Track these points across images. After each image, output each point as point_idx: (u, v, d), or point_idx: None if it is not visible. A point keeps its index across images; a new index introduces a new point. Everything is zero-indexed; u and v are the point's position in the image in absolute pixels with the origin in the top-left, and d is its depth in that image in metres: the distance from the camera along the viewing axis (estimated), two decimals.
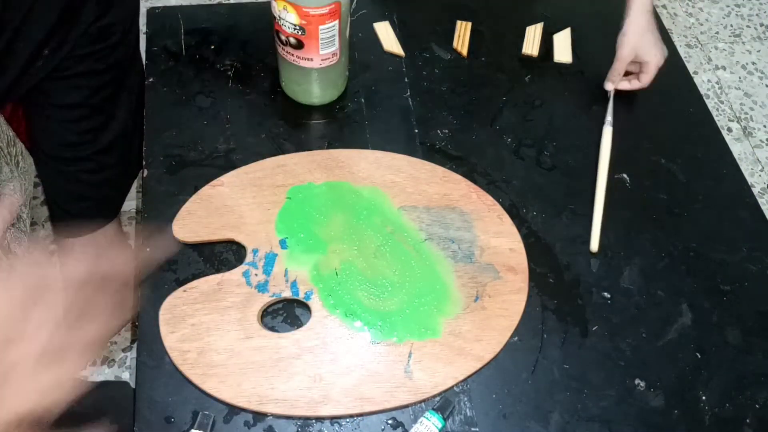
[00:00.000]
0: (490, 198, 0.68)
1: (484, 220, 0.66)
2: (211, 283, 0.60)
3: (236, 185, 0.66)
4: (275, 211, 0.65)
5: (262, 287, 0.60)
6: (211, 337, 0.57)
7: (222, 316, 0.58)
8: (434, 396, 0.56)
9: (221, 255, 0.63)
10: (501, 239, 0.65)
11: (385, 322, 0.59)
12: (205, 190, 0.66)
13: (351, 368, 0.56)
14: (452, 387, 0.57)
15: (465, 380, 0.58)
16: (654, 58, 0.77)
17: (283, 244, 0.63)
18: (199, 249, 0.63)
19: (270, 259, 0.62)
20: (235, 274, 0.61)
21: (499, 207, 0.68)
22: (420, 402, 0.56)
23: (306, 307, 0.60)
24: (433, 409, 0.55)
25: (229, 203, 0.65)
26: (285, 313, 0.60)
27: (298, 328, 0.59)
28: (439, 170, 0.70)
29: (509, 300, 0.62)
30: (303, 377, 0.55)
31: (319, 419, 0.55)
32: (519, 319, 0.61)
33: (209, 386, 0.54)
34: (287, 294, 0.60)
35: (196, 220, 0.64)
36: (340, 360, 0.57)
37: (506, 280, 0.63)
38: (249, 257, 0.62)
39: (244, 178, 0.67)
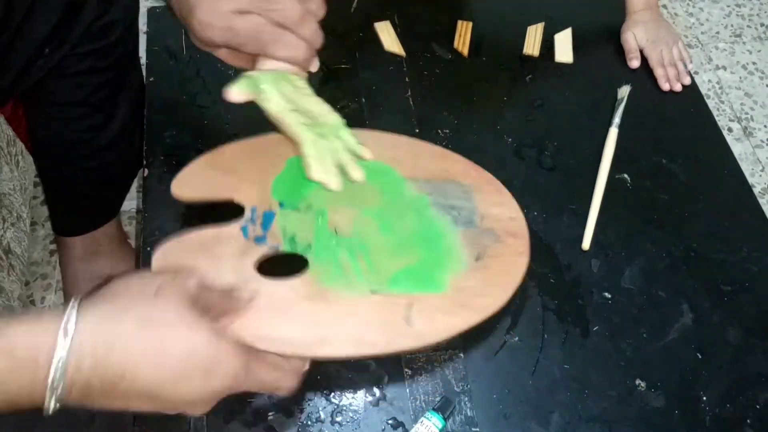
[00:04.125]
0: (488, 174, 0.68)
1: (484, 192, 0.67)
2: (207, 234, 0.59)
3: (238, 152, 0.66)
4: (275, 175, 0.65)
5: (259, 240, 0.59)
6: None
7: (216, 263, 0.57)
8: (434, 344, 0.56)
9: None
10: (501, 208, 0.65)
11: (387, 278, 0.58)
12: (205, 156, 0.65)
13: (348, 313, 0.56)
14: (454, 336, 0.56)
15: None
16: (654, 55, 0.84)
17: (282, 205, 0.62)
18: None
19: (268, 217, 0.61)
20: (234, 227, 0.60)
21: (497, 182, 0.68)
22: (420, 350, 0.56)
23: (305, 261, 0.59)
24: (433, 409, 0.55)
25: (231, 167, 0.64)
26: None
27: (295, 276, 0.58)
28: (438, 149, 0.71)
29: (511, 261, 0.61)
30: (301, 321, 0.55)
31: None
32: (521, 279, 0.60)
33: None
34: (285, 248, 0.59)
35: (198, 179, 0.63)
36: (337, 306, 0.56)
37: (507, 244, 0.62)
38: (247, 214, 0.61)
39: (245, 147, 0.67)
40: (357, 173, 0.58)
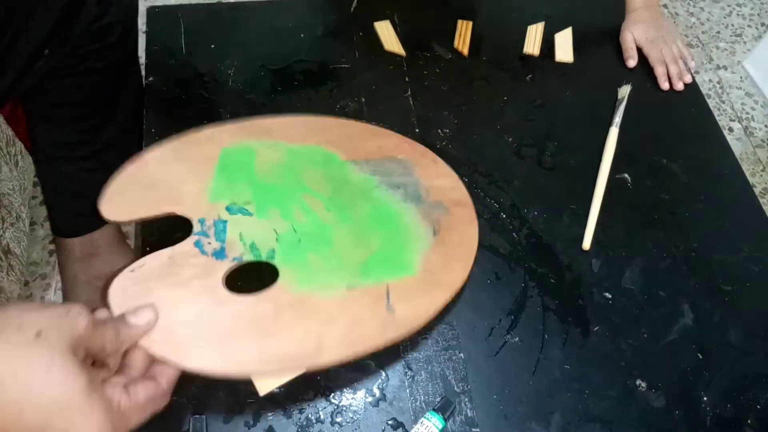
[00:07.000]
0: (422, 146, 0.69)
1: (421, 165, 0.68)
2: (161, 258, 0.55)
3: (164, 161, 0.61)
4: (210, 176, 0.61)
5: (219, 254, 0.56)
6: (176, 312, 0.52)
7: (183, 289, 0.53)
8: (419, 327, 0.56)
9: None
10: (442, 179, 0.67)
11: (358, 269, 0.58)
12: (130, 169, 0.60)
13: (334, 316, 0.54)
14: (435, 316, 0.57)
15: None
16: (654, 53, 0.84)
17: (230, 209, 0.59)
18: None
19: (221, 227, 0.58)
20: (186, 245, 0.56)
21: (431, 153, 0.69)
22: (407, 337, 0.57)
23: (273, 267, 0.57)
24: (433, 409, 0.55)
25: (161, 178, 0.60)
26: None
27: (268, 287, 0.56)
28: (369, 127, 0.71)
29: (464, 230, 0.63)
30: (290, 332, 0.53)
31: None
32: (477, 247, 0.63)
33: (192, 362, 0.50)
34: (248, 257, 0.56)
35: (129, 198, 0.59)
36: (321, 311, 0.54)
37: (456, 214, 0.64)
38: (197, 227, 0.57)
39: (170, 155, 0.62)
40: None
